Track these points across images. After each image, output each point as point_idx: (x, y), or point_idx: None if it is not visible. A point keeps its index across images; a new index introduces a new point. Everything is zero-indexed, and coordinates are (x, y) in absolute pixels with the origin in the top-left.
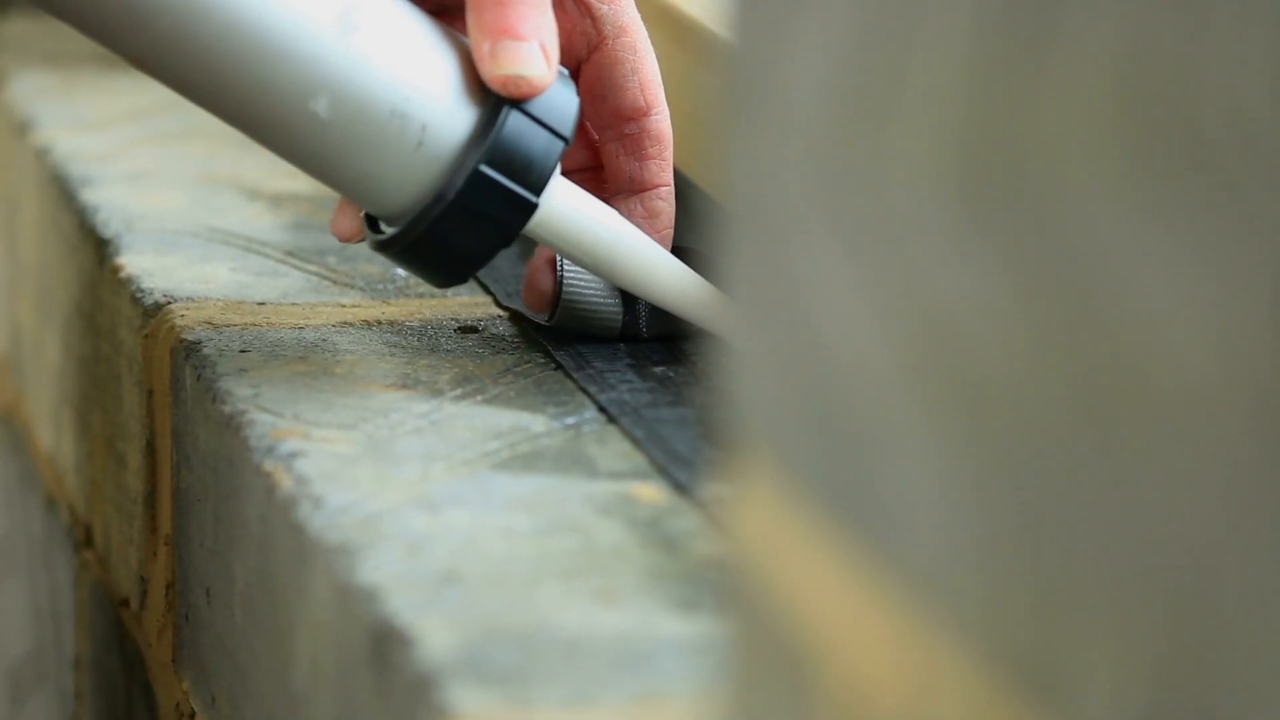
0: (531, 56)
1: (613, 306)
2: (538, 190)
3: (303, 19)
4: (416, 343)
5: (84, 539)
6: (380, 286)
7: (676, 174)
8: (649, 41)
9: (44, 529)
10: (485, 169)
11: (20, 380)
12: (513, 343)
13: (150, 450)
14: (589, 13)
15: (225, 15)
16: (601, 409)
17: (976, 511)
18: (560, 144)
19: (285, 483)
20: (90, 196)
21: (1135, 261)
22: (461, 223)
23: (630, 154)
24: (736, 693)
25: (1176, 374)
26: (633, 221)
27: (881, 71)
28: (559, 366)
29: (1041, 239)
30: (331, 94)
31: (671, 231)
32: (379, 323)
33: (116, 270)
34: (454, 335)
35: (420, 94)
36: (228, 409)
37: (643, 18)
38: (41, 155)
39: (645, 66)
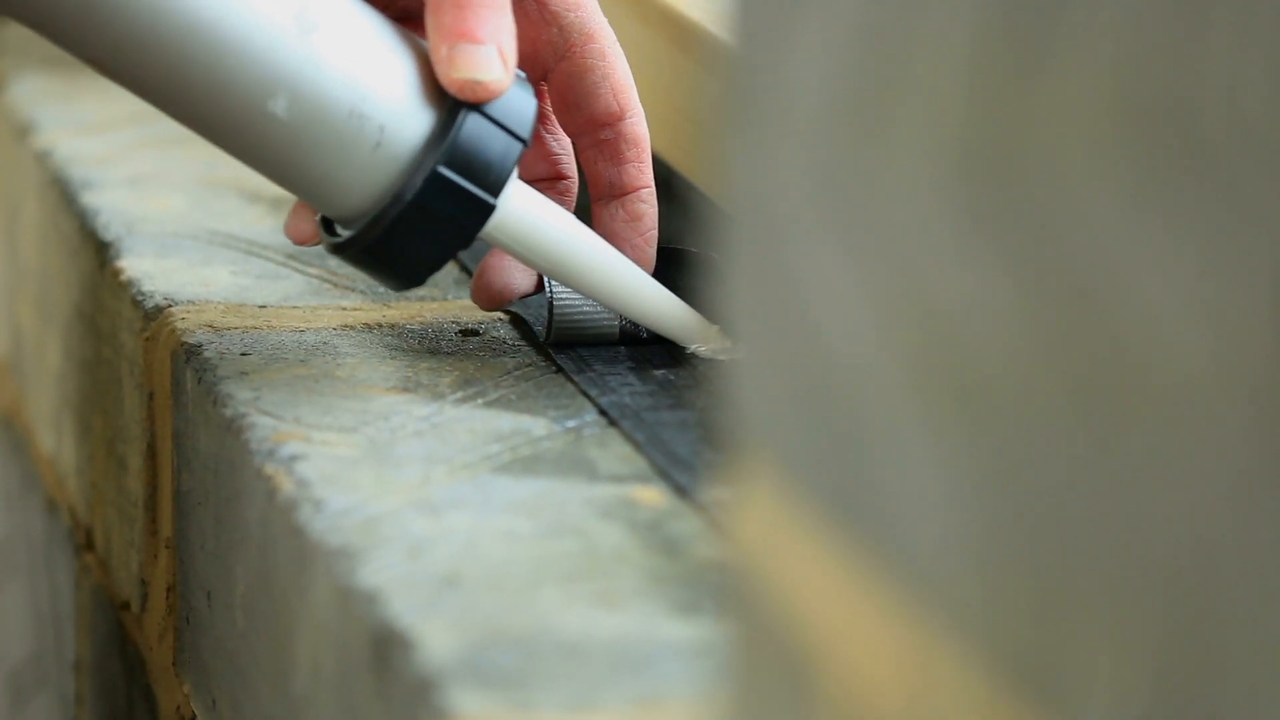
0: (488, 61)
1: (607, 315)
2: (495, 192)
3: (261, 18)
4: (417, 346)
5: (85, 542)
6: (381, 290)
7: (677, 176)
8: (618, 45)
9: (45, 532)
10: (443, 170)
11: (21, 383)
12: (514, 346)
13: (151, 453)
14: (556, 21)
15: (183, 15)
16: (602, 412)
17: (977, 513)
18: (519, 146)
19: (286, 486)
20: (91, 199)
21: (1135, 261)
22: (419, 224)
23: (608, 160)
24: (737, 696)
25: (1176, 374)
26: (615, 227)
27: (882, 73)
28: (560, 369)
29: (1042, 239)
30: (290, 94)
31: (655, 233)
32: (380, 326)
33: (117, 273)
34: (455, 338)
35: (379, 95)
36: (229, 412)
37: (643, 20)
38: (42, 158)
39: (616, 71)
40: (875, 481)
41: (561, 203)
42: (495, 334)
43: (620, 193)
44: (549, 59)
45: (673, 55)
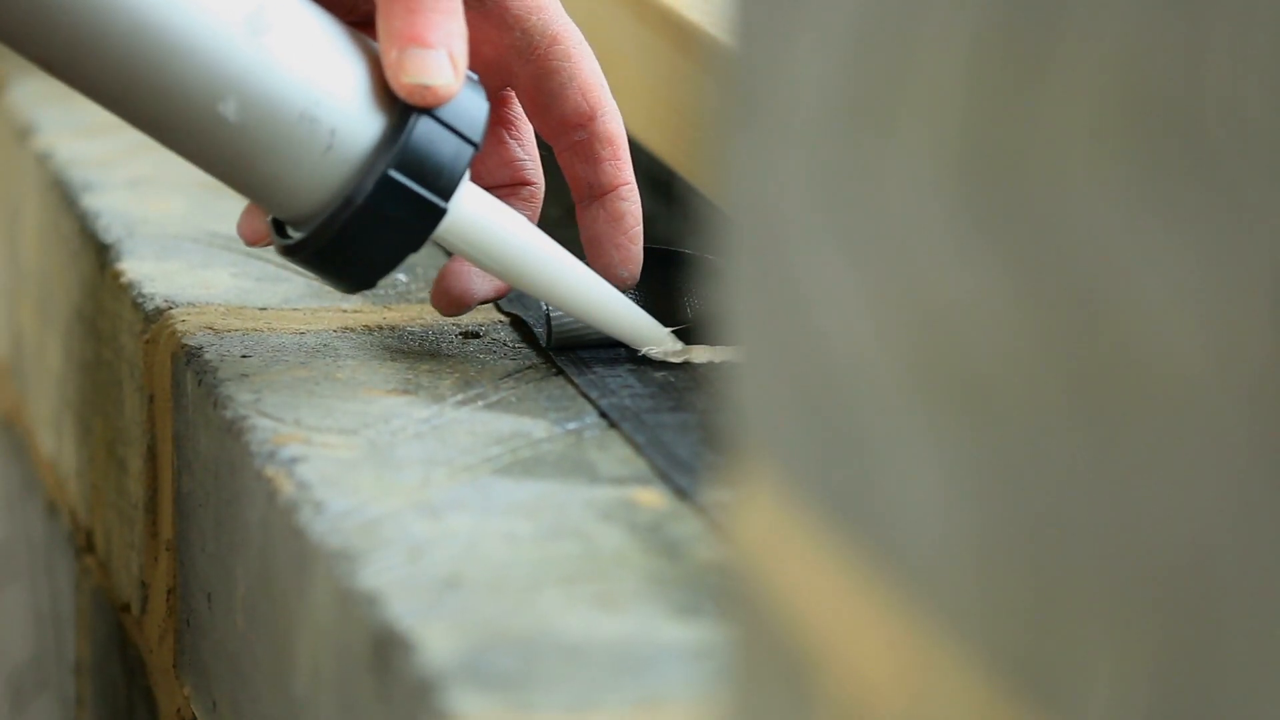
0: (438, 65)
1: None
2: (447, 196)
3: (212, 19)
4: (418, 348)
5: (85, 544)
6: (381, 292)
7: (677, 178)
8: (585, 45)
9: (45, 534)
10: (394, 174)
11: (21, 385)
12: (514, 348)
13: (151, 455)
14: (518, 25)
15: (130, 16)
16: (603, 414)
17: (977, 514)
18: (470, 149)
19: (286, 488)
20: (91, 202)
21: (1135, 261)
22: (370, 228)
23: (584, 161)
24: (737, 698)
25: (1176, 374)
26: (598, 229)
27: (882, 73)
28: (560, 371)
29: (1042, 240)
30: (240, 96)
31: (639, 229)
32: (380, 328)
33: (117, 275)
34: (455, 340)
35: (330, 97)
36: (229, 414)
37: (643, 22)
38: (42, 160)
39: (583, 71)
40: (875, 483)
41: (525, 210)
42: (496, 336)
43: (600, 193)
44: (514, 63)
45: (673, 57)
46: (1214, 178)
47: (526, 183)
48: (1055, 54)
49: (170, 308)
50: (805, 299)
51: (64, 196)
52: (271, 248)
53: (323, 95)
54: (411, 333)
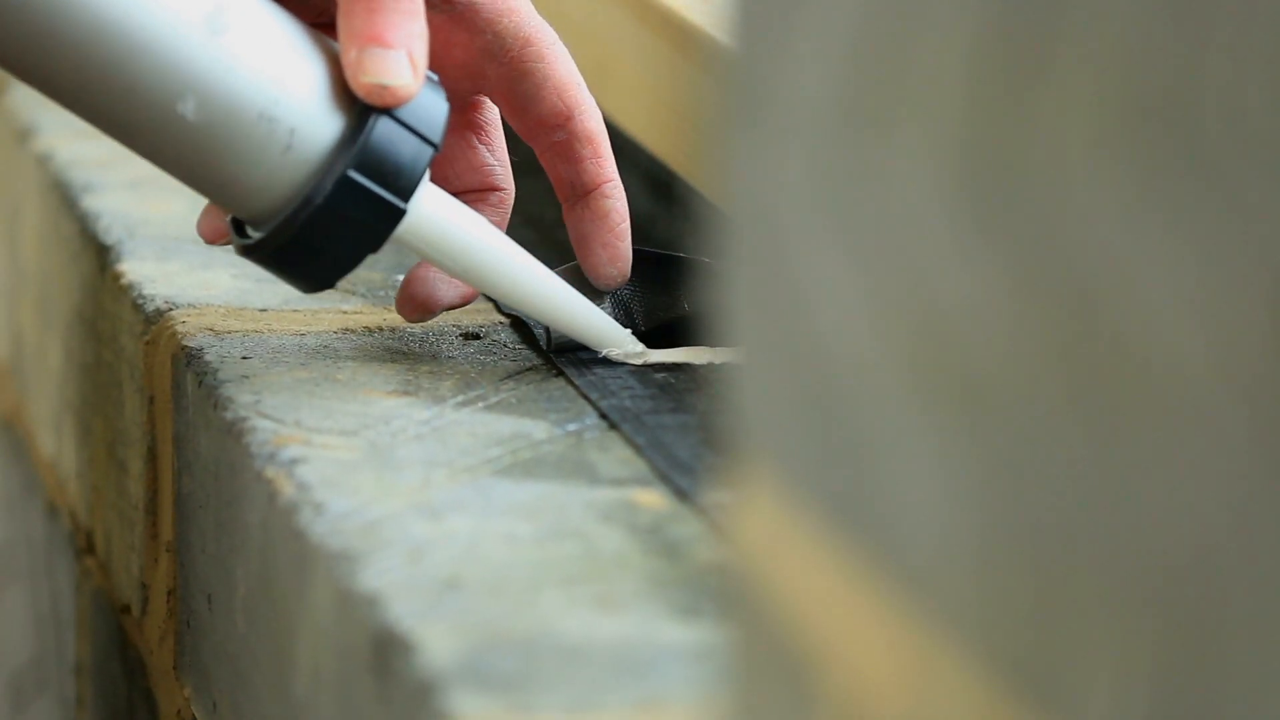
0: (398, 65)
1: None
2: (406, 196)
3: (170, 19)
4: (418, 349)
5: (85, 545)
6: (382, 293)
7: (677, 179)
8: (559, 45)
9: (45, 535)
10: (353, 174)
11: (22, 387)
12: (515, 349)
13: (152, 457)
14: (489, 28)
15: (90, 14)
16: (603, 415)
17: (977, 515)
18: (429, 150)
19: (286, 489)
20: (91, 203)
21: (1135, 262)
22: (329, 228)
23: (564, 161)
24: (738, 699)
25: (1176, 374)
26: (584, 229)
27: (882, 74)
28: (561, 373)
29: (1042, 240)
30: (198, 96)
31: (626, 226)
32: (380, 329)
33: (118, 277)
34: (456, 342)
35: (290, 97)
36: (229, 415)
37: (643, 24)
38: (43, 162)
39: (557, 71)
40: (875, 484)
41: (494, 216)
42: (496, 338)
43: (584, 192)
44: (486, 67)
45: (672, 58)
46: (1214, 178)
47: (495, 189)
48: (1055, 54)
49: (171, 309)
50: (805, 299)
51: (64, 198)
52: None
53: (282, 95)
54: (412, 334)
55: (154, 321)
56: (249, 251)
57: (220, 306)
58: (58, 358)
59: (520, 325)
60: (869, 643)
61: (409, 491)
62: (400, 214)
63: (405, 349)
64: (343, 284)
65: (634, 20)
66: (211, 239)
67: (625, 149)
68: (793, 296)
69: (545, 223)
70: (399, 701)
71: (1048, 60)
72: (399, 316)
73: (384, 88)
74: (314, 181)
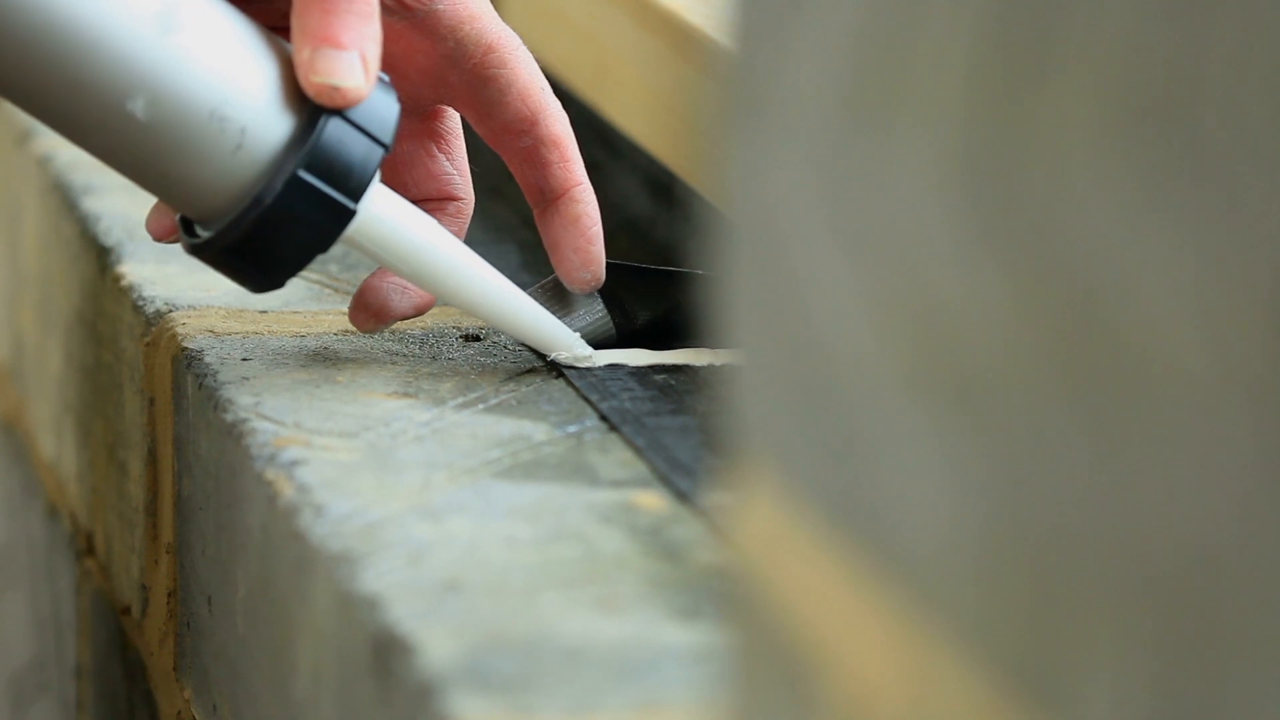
0: (350, 67)
1: (600, 319)
2: (356, 197)
3: (121, 17)
4: (418, 351)
5: (85, 547)
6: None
7: (678, 181)
8: (523, 50)
9: (45, 537)
10: (303, 174)
11: (22, 389)
12: (515, 351)
13: (152, 458)
14: (452, 35)
15: (39, 12)
16: (603, 417)
17: (977, 516)
18: (380, 151)
19: (287, 491)
20: (92, 205)
21: (1135, 262)
22: (278, 228)
23: (531, 167)
24: (738, 701)
25: (1176, 374)
26: (555, 235)
27: (882, 75)
28: (561, 375)
29: (1042, 240)
30: (149, 94)
31: (598, 229)
32: (381, 331)
33: (118, 279)
34: (456, 344)
35: (241, 97)
36: (229, 417)
37: (643, 25)
38: (43, 164)
39: (520, 77)
40: (875, 485)
41: (452, 225)
42: (496, 339)
43: (553, 197)
44: (449, 74)
45: (672, 59)
46: (1214, 178)
47: (453, 198)
48: (1055, 54)
49: (171, 311)
50: (805, 300)
51: (64, 200)
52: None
53: (233, 94)
54: (412, 336)
55: (154, 323)
56: (198, 250)
57: (220, 308)
58: (58, 360)
59: None
60: (869, 644)
61: (409, 493)
62: (350, 214)
63: (405, 351)
64: (343, 286)
65: (633, 21)
66: (160, 236)
67: (625, 150)
68: (793, 297)
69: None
70: (399, 703)
71: (1047, 60)
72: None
73: (335, 88)
74: (264, 181)
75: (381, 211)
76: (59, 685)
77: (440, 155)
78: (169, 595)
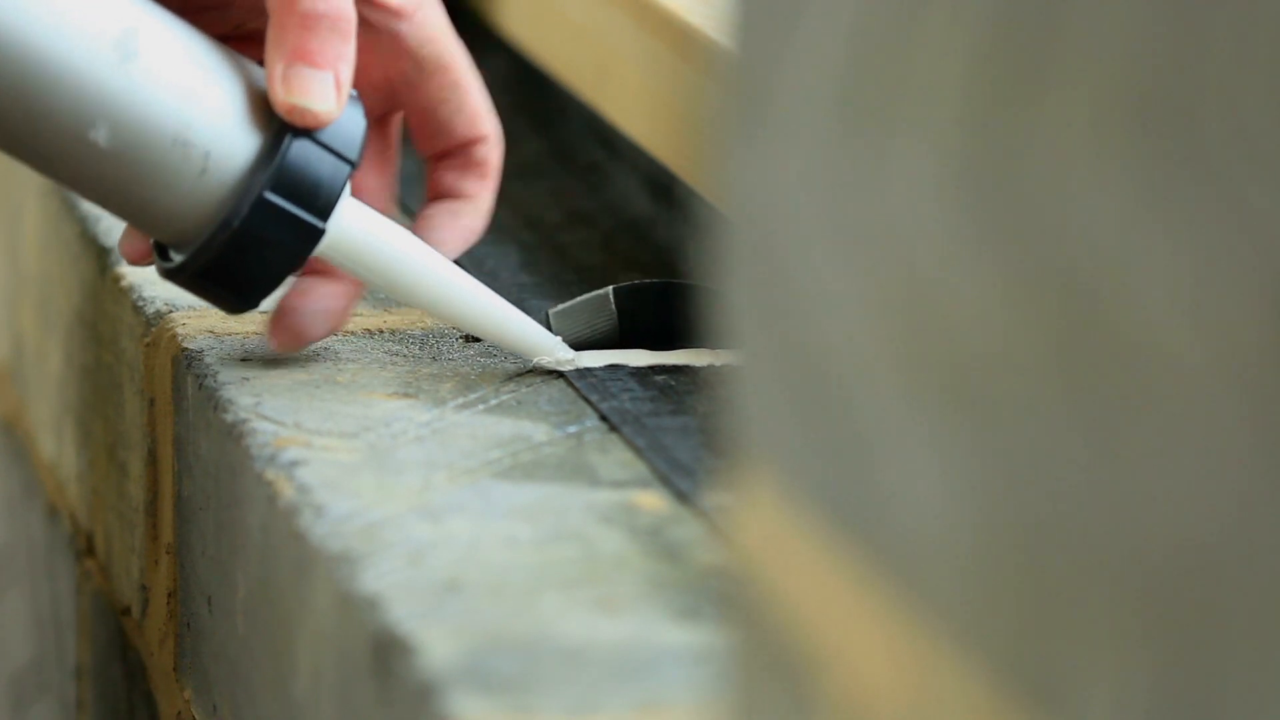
0: (323, 87)
1: (608, 326)
2: (325, 215)
3: (79, 46)
4: (419, 352)
5: (85, 548)
6: (382, 295)
7: (678, 182)
8: (472, 71)
9: (45, 538)
10: (270, 196)
11: (22, 389)
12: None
13: (152, 459)
14: (411, 55)
15: None
16: (603, 417)
17: (976, 516)
18: (347, 168)
19: (287, 491)
20: (92, 206)
21: (1135, 261)
22: (248, 250)
23: (453, 174)
24: (738, 702)
25: (1175, 374)
26: (436, 217)
27: (882, 76)
28: (561, 375)
29: (1042, 240)
30: (111, 123)
31: (470, 240)
32: (381, 331)
33: (118, 279)
34: (456, 344)
35: (203, 120)
36: (229, 418)
37: (643, 26)
38: None
39: (470, 101)
40: (875, 485)
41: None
42: None
43: (452, 199)
44: (402, 92)
45: (673, 61)
46: (1214, 178)
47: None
48: (1054, 54)
49: (171, 311)
50: (805, 300)
51: (65, 200)
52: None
53: (195, 118)
54: (412, 336)
55: (154, 324)
56: (171, 275)
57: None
58: (58, 360)
59: None
60: (869, 644)
61: (409, 494)
62: (319, 233)
63: (406, 351)
64: None
65: (634, 21)
66: (135, 260)
67: (625, 150)
68: (792, 298)
69: (546, 225)
70: (399, 704)
71: (1047, 60)
72: (401, 319)
73: (306, 110)
74: (231, 204)
75: (353, 226)
76: (59, 686)
77: (385, 163)
78: (169, 596)
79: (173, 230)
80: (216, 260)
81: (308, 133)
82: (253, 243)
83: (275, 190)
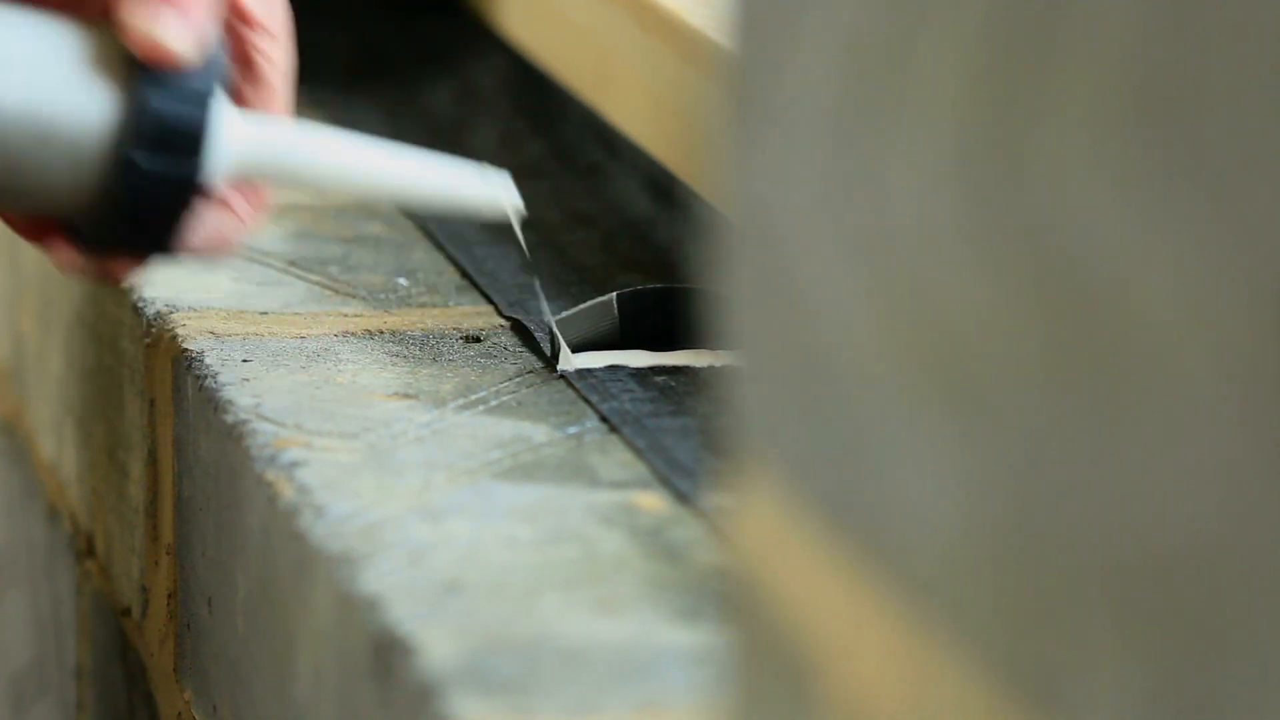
0: (180, 30)
1: (608, 328)
2: (199, 152)
3: None
4: (419, 352)
5: (86, 549)
6: (382, 296)
7: (679, 183)
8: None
9: (46, 539)
10: (136, 155)
11: (22, 390)
12: (515, 352)
13: (152, 460)
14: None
15: None
16: (603, 418)
17: (976, 516)
18: (209, 99)
19: (287, 492)
20: None
21: (1135, 260)
22: (140, 208)
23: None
24: (738, 702)
25: (1176, 374)
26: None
27: (882, 76)
28: (561, 376)
29: (1042, 240)
30: None
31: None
32: (381, 332)
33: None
34: (456, 345)
35: (52, 96)
36: (229, 418)
37: (643, 26)
38: None
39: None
40: (875, 486)
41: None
42: (497, 341)
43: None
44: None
45: (674, 62)
46: (1214, 178)
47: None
48: (1055, 55)
49: (171, 312)
50: (806, 301)
51: None
52: (271, 253)
53: (43, 96)
54: (412, 337)
55: (154, 325)
56: (90, 248)
57: (221, 309)
58: (58, 361)
59: (521, 329)
60: (868, 644)
61: (409, 494)
62: (202, 168)
63: (406, 352)
64: (343, 287)
65: (634, 22)
66: (71, 270)
67: (625, 151)
68: (793, 298)
69: (546, 226)
70: (399, 704)
71: (1047, 60)
72: (401, 320)
73: (161, 47)
74: (109, 174)
75: (249, 140)
76: (59, 686)
77: (252, 67)
78: (169, 596)
79: (70, 206)
80: (116, 226)
81: (162, 78)
82: (141, 201)
83: (141, 147)
